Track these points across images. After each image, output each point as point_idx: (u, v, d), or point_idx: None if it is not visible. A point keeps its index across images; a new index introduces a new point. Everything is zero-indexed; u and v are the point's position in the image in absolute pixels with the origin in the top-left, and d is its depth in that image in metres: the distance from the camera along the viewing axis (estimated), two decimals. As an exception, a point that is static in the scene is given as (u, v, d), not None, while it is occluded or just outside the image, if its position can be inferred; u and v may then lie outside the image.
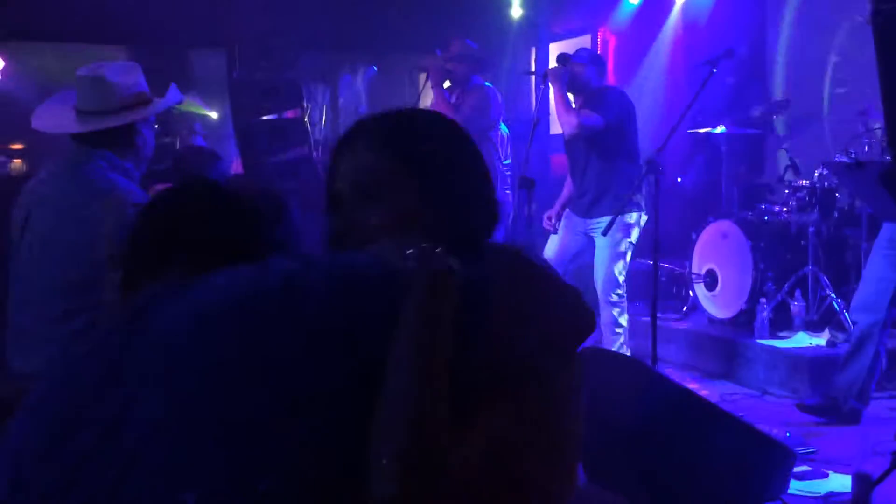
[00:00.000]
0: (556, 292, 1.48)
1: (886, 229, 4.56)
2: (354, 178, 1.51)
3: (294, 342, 1.25)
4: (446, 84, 6.11)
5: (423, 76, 6.24)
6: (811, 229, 5.71)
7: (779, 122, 6.82)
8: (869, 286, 4.61)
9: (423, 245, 1.33)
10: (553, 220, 5.64)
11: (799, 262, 5.80)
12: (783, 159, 6.25)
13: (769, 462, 3.43)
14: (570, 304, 1.49)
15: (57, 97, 2.91)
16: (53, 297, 2.63)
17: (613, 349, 5.37)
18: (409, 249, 1.32)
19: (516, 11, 8.86)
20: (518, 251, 1.52)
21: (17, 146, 10.11)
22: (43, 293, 2.66)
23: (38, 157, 9.38)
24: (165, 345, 1.29)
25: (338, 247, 1.50)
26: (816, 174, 5.77)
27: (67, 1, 7.79)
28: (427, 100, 6.73)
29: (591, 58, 5.53)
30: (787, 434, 4.25)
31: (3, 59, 9.78)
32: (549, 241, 5.63)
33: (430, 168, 1.49)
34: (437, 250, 1.32)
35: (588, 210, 5.37)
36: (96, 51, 9.74)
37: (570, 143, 5.46)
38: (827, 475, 3.88)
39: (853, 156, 4.25)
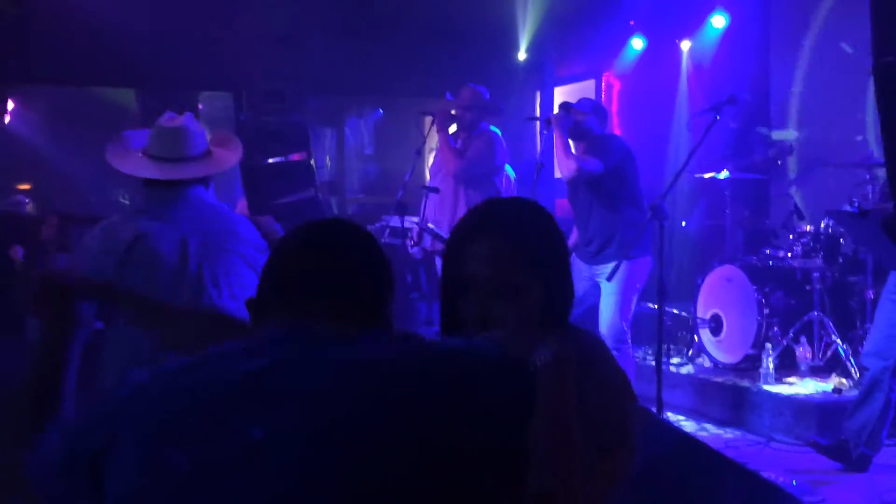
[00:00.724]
0: (618, 372, 1.84)
1: (894, 275, 4.57)
2: (487, 272, 1.74)
3: (421, 416, 1.40)
4: (452, 128, 6.17)
5: (428, 120, 6.29)
6: (816, 275, 5.71)
7: (792, 162, 6.84)
8: (879, 332, 4.61)
9: (545, 336, 1.56)
10: None
11: (804, 307, 5.80)
12: (788, 203, 6.28)
13: (776, 511, 3.41)
14: (625, 386, 1.85)
15: (117, 144, 3.12)
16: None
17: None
18: (532, 338, 1.55)
19: (522, 55, 8.96)
20: (592, 335, 1.87)
21: (25, 186, 10.18)
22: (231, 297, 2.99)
23: (44, 197, 9.45)
24: (316, 395, 1.41)
25: (462, 327, 1.76)
26: (823, 224, 5.77)
27: (75, 45, 7.87)
28: (432, 143, 6.79)
29: (593, 107, 5.57)
30: (794, 482, 4.23)
31: (14, 102, 9.89)
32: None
33: (553, 275, 1.80)
34: (556, 343, 1.54)
35: (594, 257, 5.38)
36: (104, 93, 9.86)
37: (573, 191, 5.50)
38: (834, 525, 3.87)
39: (856, 204, 4.27)
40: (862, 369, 4.79)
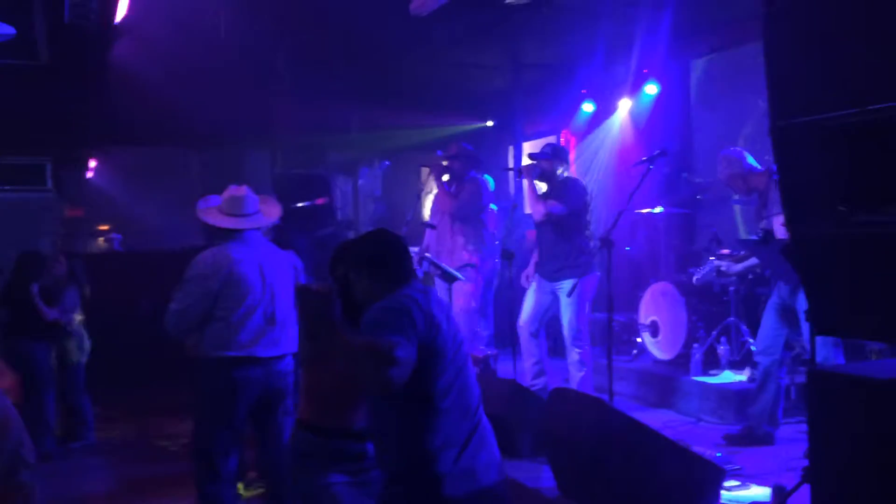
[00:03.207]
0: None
1: (776, 291, 4.64)
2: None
3: None
4: (445, 177, 6.19)
5: (426, 170, 6.31)
6: (732, 289, 5.73)
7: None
8: (765, 333, 4.67)
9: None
10: (529, 279, 5.67)
11: (723, 314, 5.81)
12: (709, 232, 6.31)
13: (704, 478, 3.43)
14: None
15: (202, 203, 3.76)
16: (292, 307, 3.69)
17: (578, 380, 5.37)
18: None
19: (490, 123, 9.04)
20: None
21: (104, 227, 10.18)
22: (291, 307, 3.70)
23: (126, 237, 9.44)
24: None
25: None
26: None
27: (144, 112, 7.92)
28: (429, 188, 6.81)
29: (553, 151, 5.56)
30: (718, 454, 4.23)
31: (95, 160, 9.91)
32: (525, 299, 5.66)
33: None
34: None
35: (552, 275, 5.41)
36: (168, 152, 9.89)
37: (538, 225, 5.54)
38: (750, 487, 3.87)
39: (761, 233, 4.31)
40: (755, 364, 4.83)
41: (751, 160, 4.78)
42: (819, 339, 3.94)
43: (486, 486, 2.32)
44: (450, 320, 2.43)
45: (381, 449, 2.43)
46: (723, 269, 5.04)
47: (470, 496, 2.29)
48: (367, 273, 2.47)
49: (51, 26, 6.17)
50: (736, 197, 5.85)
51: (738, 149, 4.91)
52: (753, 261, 4.84)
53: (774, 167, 4.60)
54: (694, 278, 5.75)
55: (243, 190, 3.73)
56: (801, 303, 4.39)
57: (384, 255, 2.49)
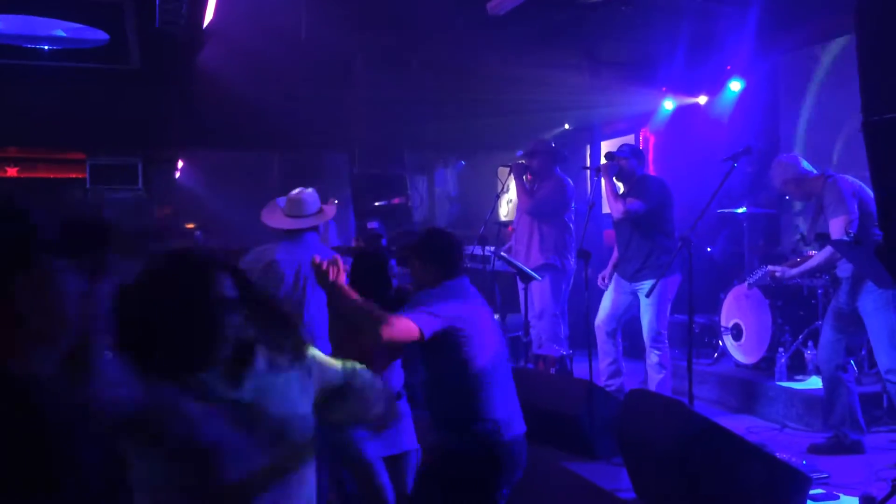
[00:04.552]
0: None
1: (835, 296, 4.56)
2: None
3: None
4: (527, 177, 6.14)
5: (505, 170, 6.27)
6: (819, 291, 5.56)
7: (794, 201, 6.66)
8: (825, 340, 4.57)
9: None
10: (605, 280, 5.62)
11: (810, 317, 5.65)
12: (795, 232, 6.12)
13: (789, 486, 3.34)
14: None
15: (270, 206, 3.97)
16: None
17: (657, 382, 5.30)
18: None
19: (567, 125, 8.97)
20: None
21: (191, 225, 10.56)
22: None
23: (209, 233, 9.77)
24: None
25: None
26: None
27: (228, 114, 8.19)
28: (509, 189, 6.79)
29: (632, 151, 5.51)
30: (804, 462, 4.12)
31: (182, 161, 10.29)
32: (604, 298, 5.61)
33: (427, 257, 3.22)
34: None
35: (632, 276, 5.35)
36: (250, 153, 10.19)
37: (617, 224, 5.48)
38: (838, 497, 3.74)
39: (851, 234, 4.16)
40: (820, 371, 4.68)
41: (805, 164, 4.68)
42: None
43: (522, 433, 3.07)
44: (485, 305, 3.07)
45: (444, 413, 3.01)
46: (777, 274, 4.91)
47: (516, 439, 3.02)
48: (421, 263, 3.09)
49: (142, 32, 6.46)
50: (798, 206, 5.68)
51: (793, 154, 4.82)
52: (808, 265, 4.72)
53: (829, 171, 4.53)
54: (747, 283, 5.62)
55: (304, 193, 3.92)
56: (863, 306, 4.29)
57: (440, 251, 3.08)
